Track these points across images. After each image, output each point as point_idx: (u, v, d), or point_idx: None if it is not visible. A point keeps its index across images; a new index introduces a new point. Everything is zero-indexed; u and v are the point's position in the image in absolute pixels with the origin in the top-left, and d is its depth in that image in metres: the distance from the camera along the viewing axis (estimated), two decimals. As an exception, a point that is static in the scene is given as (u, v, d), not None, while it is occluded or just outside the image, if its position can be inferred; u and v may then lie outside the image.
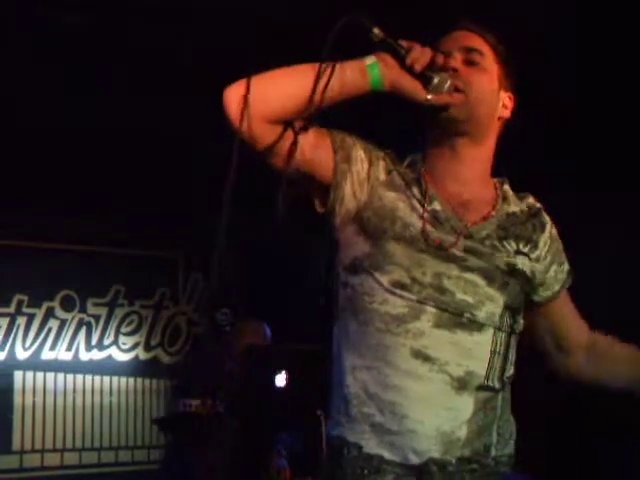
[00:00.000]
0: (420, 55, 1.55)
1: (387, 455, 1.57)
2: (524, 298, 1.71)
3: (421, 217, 1.60)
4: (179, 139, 4.03)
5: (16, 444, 4.81)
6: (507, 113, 1.73)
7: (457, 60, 1.64)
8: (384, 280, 1.58)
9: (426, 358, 1.57)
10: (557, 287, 1.75)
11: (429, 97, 1.55)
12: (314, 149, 1.59)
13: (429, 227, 1.60)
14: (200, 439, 3.81)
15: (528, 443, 1.76)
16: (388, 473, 1.57)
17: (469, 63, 1.66)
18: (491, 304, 1.60)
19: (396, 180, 1.63)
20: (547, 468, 3.88)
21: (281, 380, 3.80)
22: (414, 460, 1.56)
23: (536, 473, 3.22)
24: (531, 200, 1.74)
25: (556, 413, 4.09)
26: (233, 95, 1.53)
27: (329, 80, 1.52)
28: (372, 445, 1.59)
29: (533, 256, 1.69)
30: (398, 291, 1.56)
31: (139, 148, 4.07)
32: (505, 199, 1.69)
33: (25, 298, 4.99)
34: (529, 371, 1.88)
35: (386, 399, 1.58)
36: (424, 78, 1.53)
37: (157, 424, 4.80)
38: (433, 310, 1.57)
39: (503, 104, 1.72)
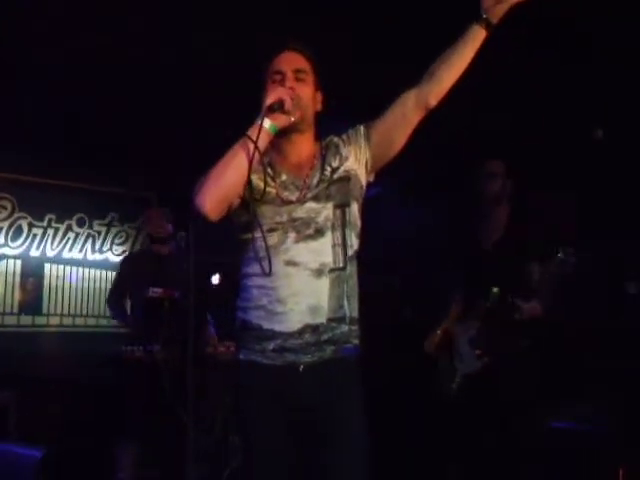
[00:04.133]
0: (280, 98, 1.75)
1: (277, 328, 1.79)
2: (369, 169, 1.92)
3: (274, 187, 1.84)
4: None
5: (44, 309, 5.62)
6: (320, 107, 1.94)
7: (290, 80, 1.85)
8: (264, 228, 1.82)
9: (294, 264, 1.79)
10: (363, 140, 1.90)
11: (292, 119, 1.81)
12: None
13: (281, 192, 1.85)
14: (162, 312, 4.20)
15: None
16: (277, 338, 1.79)
17: (298, 80, 1.86)
18: (324, 211, 1.84)
19: (259, 169, 1.80)
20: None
21: (216, 279, 4.69)
22: (295, 327, 1.77)
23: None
24: (330, 138, 1.96)
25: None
26: (202, 201, 1.72)
27: (254, 154, 1.70)
28: (266, 323, 1.81)
29: (343, 160, 1.90)
30: (271, 233, 1.81)
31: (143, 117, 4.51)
32: (321, 149, 1.93)
33: (53, 216, 5.73)
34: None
35: (273, 293, 1.79)
36: (284, 112, 1.76)
37: (135, 303, 4.82)
38: (293, 234, 1.81)
39: (318, 102, 1.94)
